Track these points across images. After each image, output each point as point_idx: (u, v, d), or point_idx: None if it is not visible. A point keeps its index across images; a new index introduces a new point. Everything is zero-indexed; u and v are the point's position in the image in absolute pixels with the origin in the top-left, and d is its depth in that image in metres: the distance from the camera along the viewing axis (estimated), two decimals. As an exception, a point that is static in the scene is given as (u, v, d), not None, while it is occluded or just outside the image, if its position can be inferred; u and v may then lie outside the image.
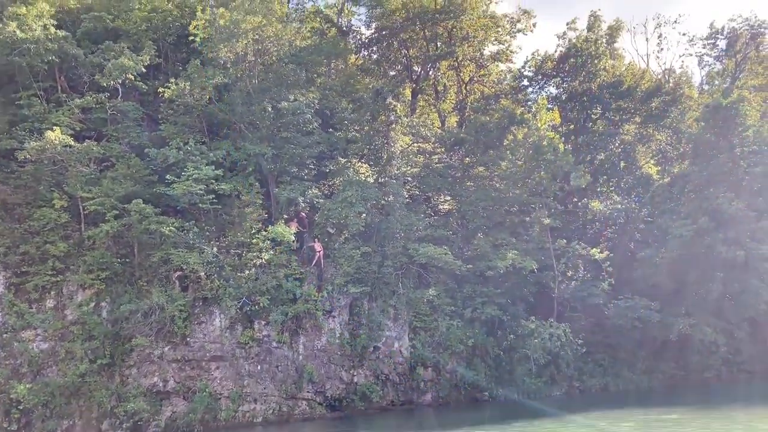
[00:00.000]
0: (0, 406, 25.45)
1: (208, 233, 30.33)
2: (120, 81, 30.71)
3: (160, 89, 31.84)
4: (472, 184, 39.63)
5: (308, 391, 30.12)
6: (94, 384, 26.52)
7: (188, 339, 28.41)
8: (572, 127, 44.35)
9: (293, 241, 31.47)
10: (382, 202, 34.54)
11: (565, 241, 38.11)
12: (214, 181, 29.40)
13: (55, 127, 27.89)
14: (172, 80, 31.73)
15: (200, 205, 29.46)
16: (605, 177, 44.39)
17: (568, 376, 35.57)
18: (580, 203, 42.77)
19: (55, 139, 27.28)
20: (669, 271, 37.52)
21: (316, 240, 32.96)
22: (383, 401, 31.44)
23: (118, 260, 28.65)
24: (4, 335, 26.49)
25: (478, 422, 24.52)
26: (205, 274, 28.93)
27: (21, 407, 25.25)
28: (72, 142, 28.04)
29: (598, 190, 43.94)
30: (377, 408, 30.84)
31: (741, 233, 36.82)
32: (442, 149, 40.69)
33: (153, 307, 27.56)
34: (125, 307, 27.59)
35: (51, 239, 27.81)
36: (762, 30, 45.98)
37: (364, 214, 32.99)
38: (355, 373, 31.59)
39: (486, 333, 35.19)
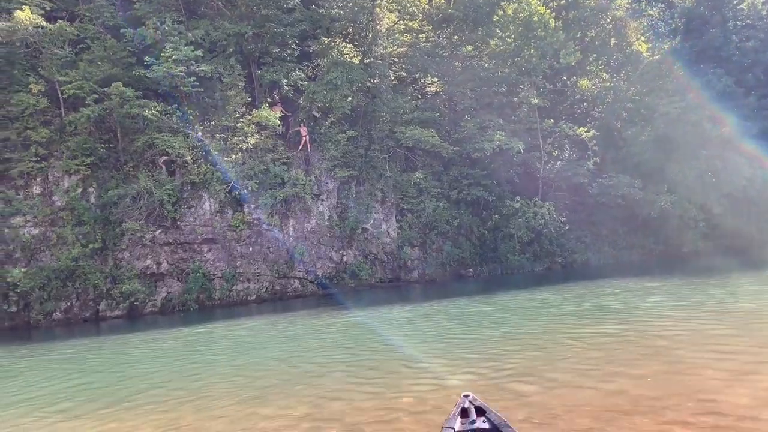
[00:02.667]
0: (-2, 290, 26.11)
1: (191, 117, 29.87)
2: (88, -44, 28.97)
3: (132, -36, 30.16)
4: (459, 64, 38.70)
5: (299, 271, 31.07)
6: (88, 267, 27.11)
7: (179, 223, 28.80)
8: (563, 2, 42.72)
9: (279, 125, 31.19)
10: (368, 84, 33.88)
11: (552, 120, 37.95)
12: (194, 62, 28.58)
13: (23, 6, 26.61)
14: (144, -46, 29.98)
15: (182, 88, 28.84)
16: (595, 55, 43.41)
17: (551, 252, 36.69)
18: (568, 82, 42.12)
19: (26, 19, 26.13)
20: (653, 149, 37.75)
21: (301, 124, 32.65)
22: (372, 279, 32.53)
23: (102, 145, 28.42)
24: (-5, 222, 26.73)
25: (463, 293, 25.58)
26: (191, 158, 28.83)
27: (18, 290, 25.90)
28: (44, 23, 26.91)
29: (588, 68, 43.09)
30: (366, 285, 31.97)
31: (727, 110, 36.76)
32: (430, 27, 39.34)
33: (141, 191, 27.70)
34: (113, 192, 27.72)
35: (31, 125, 27.37)
36: None
37: (350, 97, 32.47)
38: (344, 253, 32.47)
39: (471, 213, 35.94)
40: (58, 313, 26.74)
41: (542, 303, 20.47)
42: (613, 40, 42.89)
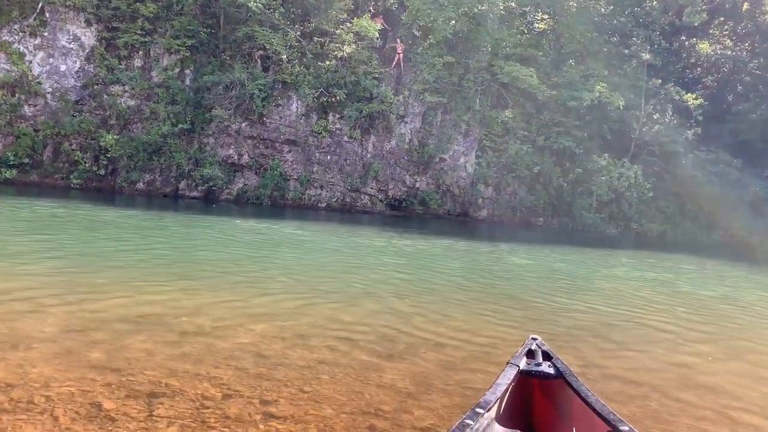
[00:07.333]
0: (90, 152, 27.47)
1: (293, 16, 29.75)
2: None
3: None
4: (574, 4, 36.65)
5: (371, 188, 31.30)
6: (175, 146, 28.09)
7: (265, 119, 29.27)
8: (700, -46, 39.44)
9: (376, 38, 30.70)
10: (475, 9, 32.62)
11: (659, 81, 35.85)
12: (304, -41, 28.20)
13: None
14: None
15: (289, -17, 28.58)
16: (722, 18, 40.31)
17: (628, 216, 35.51)
18: (687, 43, 39.43)
19: None
20: (763, 129, 35.31)
21: (398, 40, 32.03)
22: (440, 210, 32.48)
23: (204, 30, 28.81)
24: (95, 86, 27.84)
25: (530, 240, 25.21)
26: (286, 57, 28.90)
27: (108, 155, 27.20)
28: None
29: (711, 31, 40.15)
30: (433, 214, 31.99)
31: None
32: (550, -40, 37.23)
33: (234, 82, 28.11)
34: (208, 78, 28.26)
35: (141, -2, 27.91)
36: None
37: (454, 21, 31.48)
38: (418, 179, 32.40)
39: (554, 163, 34.93)
40: (141, 184, 28.03)
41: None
42: (746, 5, 39.64)
